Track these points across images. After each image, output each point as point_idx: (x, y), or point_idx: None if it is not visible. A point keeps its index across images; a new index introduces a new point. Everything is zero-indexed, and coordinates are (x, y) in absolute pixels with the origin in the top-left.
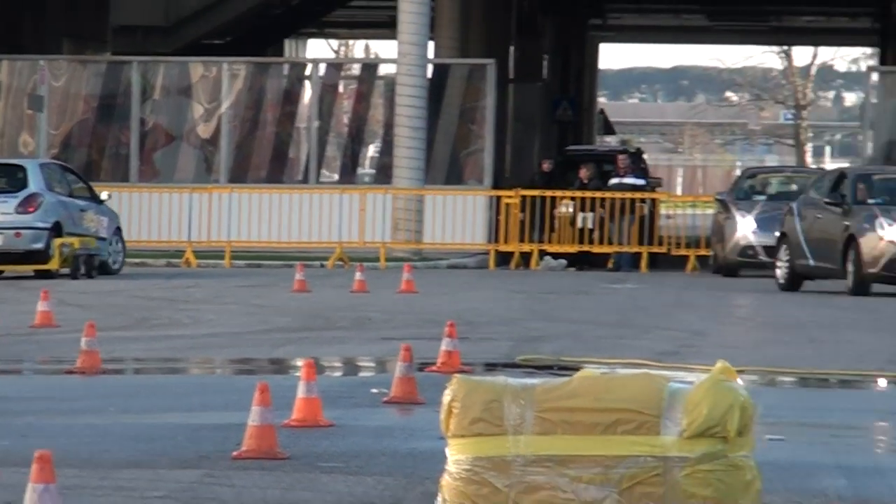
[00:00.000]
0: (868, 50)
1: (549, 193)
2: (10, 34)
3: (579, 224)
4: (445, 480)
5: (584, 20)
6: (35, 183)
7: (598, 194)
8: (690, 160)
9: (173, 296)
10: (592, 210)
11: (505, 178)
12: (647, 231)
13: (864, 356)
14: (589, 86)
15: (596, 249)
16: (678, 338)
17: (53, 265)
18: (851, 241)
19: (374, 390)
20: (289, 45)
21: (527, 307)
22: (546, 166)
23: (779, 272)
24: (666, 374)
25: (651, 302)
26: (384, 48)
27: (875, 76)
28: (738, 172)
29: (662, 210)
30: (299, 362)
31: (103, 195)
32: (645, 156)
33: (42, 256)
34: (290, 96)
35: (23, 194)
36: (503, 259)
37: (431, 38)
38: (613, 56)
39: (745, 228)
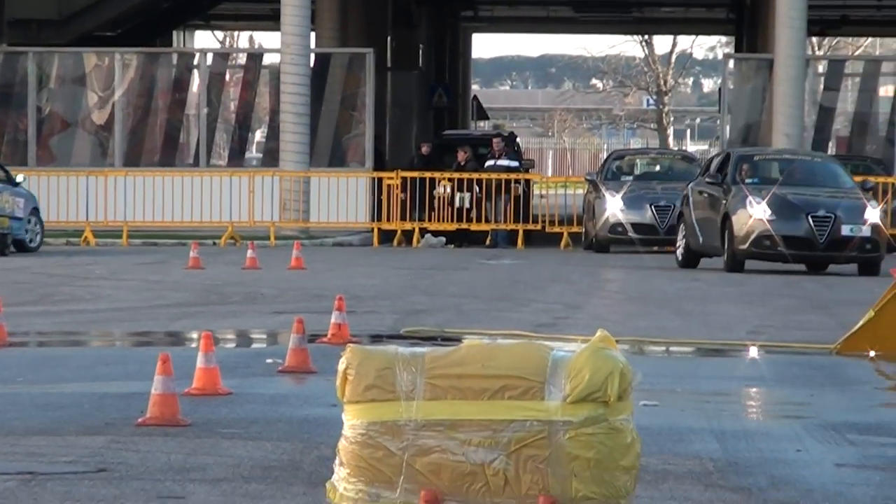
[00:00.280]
0: (724, 38)
1: (427, 175)
2: None
3: (457, 204)
4: (342, 444)
5: (457, 12)
6: None
7: (474, 175)
8: (560, 143)
9: (74, 273)
10: (470, 190)
11: (385, 160)
12: (522, 210)
13: (731, 326)
14: (463, 74)
15: (474, 227)
16: (554, 310)
17: None
18: (726, 220)
19: (269, 360)
20: (177, 36)
21: (409, 282)
22: (425, 149)
23: (678, 251)
24: (547, 343)
25: (528, 277)
26: (268, 39)
27: (731, 63)
28: (605, 155)
29: (536, 190)
30: (196, 335)
31: (18, 178)
32: (518, 139)
33: None
34: (180, 84)
35: None
36: (386, 237)
37: (313, 30)
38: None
39: (614, 207)
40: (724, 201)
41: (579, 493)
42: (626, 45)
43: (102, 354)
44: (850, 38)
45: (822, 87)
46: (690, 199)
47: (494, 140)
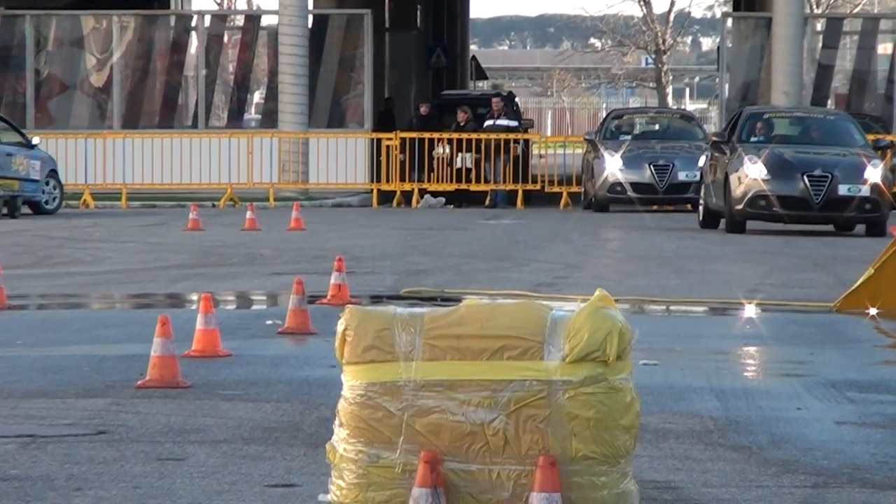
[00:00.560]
0: None
1: (426, 135)
2: None
3: (458, 164)
4: (341, 405)
5: None
6: None
7: (473, 136)
8: (559, 103)
9: (74, 235)
10: (469, 151)
11: (395, 122)
12: (521, 170)
13: (731, 285)
14: (461, 34)
15: (473, 188)
16: (553, 270)
17: None
18: (727, 180)
19: (269, 322)
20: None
21: (409, 243)
22: (423, 110)
23: (700, 210)
24: (547, 302)
25: (527, 237)
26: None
27: (729, 22)
28: (603, 114)
29: (535, 150)
30: (196, 296)
31: (35, 140)
32: (517, 99)
33: None
34: (178, 46)
35: None
36: (385, 198)
37: None
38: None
39: (613, 166)
40: (726, 161)
41: (579, 452)
42: (624, 5)
43: (102, 317)
44: None
45: (820, 45)
46: (707, 159)
47: (493, 100)
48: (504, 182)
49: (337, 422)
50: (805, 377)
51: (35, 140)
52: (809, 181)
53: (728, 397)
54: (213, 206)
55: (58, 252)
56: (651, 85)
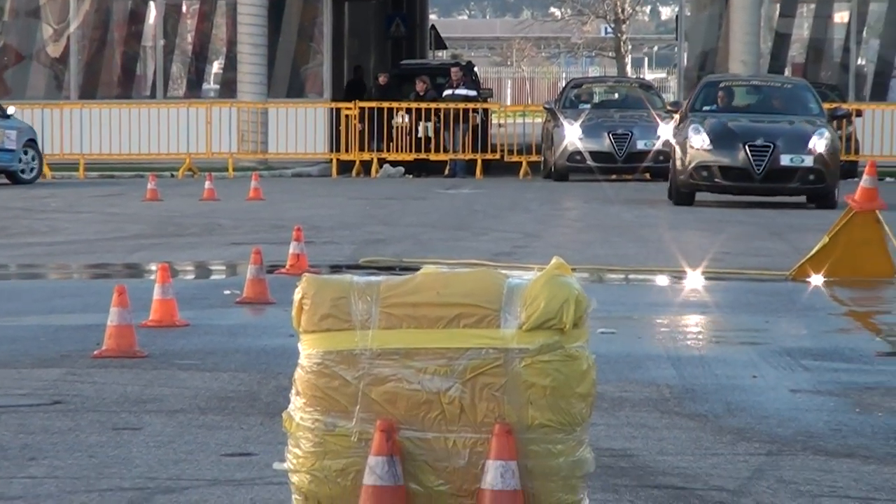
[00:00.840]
0: None
1: (385, 105)
2: None
3: (420, 133)
4: (298, 374)
5: None
6: None
7: (432, 105)
8: (518, 73)
9: (31, 206)
10: (428, 120)
11: (365, 90)
12: (480, 139)
13: (688, 254)
14: (420, 3)
15: (432, 157)
16: (512, 239)
17: None
18: (674, 151)
19: (227, 291)
20: None
21: (368, 212)
22: (382, 79)
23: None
24: (504, 271)
25: (486, 206)
26: None
27: None
28: (563, 84)
29: (494, 119)
30: (153, 266)
31: (10, 110)
32: (476, 69)
33: None
34: (136, 16)
35: None
36: (345, 167)
37: None
38: None
39: (573, 135)
40: (678, 130)
41: (535, 420)
42: None
43: (59, 287)
44: None
45: (777, 13)
46: (676, 130)
47: (452, 69)
48: (463, 152)
49: (294, 390)
50: (760, 345)
51: (10, 110)
52: (751, 151)
53: (684, 365)
54: (172, 176)
55: (14, 223)
56: (610, 54)
